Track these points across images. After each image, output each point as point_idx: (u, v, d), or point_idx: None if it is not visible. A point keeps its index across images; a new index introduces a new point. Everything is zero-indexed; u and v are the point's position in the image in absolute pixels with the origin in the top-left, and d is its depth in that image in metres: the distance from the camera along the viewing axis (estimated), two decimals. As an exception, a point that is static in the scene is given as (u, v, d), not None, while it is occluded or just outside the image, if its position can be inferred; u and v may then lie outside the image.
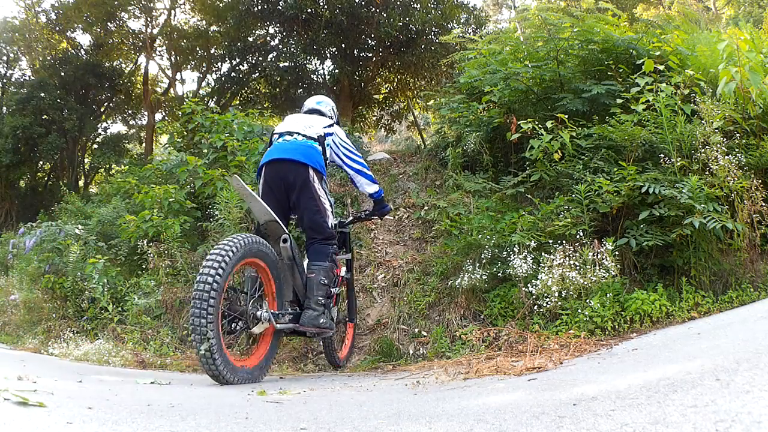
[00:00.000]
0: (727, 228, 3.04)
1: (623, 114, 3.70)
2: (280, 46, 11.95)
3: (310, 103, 3.47)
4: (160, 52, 15.45)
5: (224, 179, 4.92)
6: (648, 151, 3.71)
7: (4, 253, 6.80)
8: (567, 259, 3.12)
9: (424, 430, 1.31)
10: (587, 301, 3.02)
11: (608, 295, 3.00)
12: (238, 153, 5.42)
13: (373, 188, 3.22)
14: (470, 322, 3.60)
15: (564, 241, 3.26)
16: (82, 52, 14.62)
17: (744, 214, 3.17)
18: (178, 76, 16.45)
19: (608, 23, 4.66)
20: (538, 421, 1.25)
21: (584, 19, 4.61)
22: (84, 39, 17.68)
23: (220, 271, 2.30)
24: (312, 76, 12.31)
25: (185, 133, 6.46)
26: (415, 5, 11.03)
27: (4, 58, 14.31)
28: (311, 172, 2.87)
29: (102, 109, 15.24)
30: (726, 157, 3.27)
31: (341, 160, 3.16)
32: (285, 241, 2.79)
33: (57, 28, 14.19)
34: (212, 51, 14.39)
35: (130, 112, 16.15)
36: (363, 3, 10.63)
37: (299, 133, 3.01)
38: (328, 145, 3.10)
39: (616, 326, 2.95)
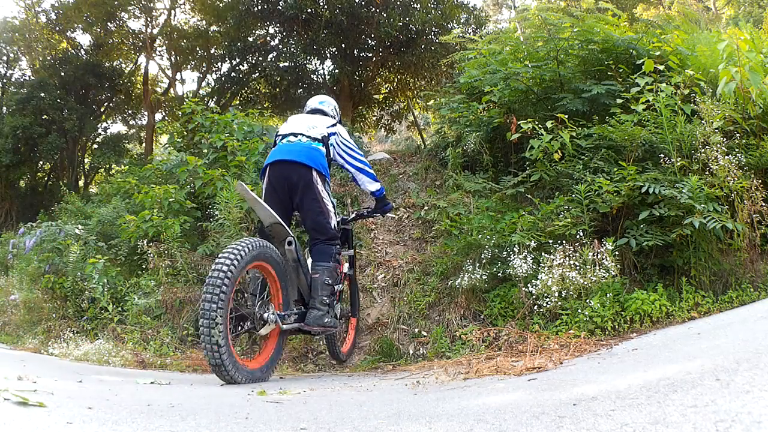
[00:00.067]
0: (727, 228, 3.04)
1: (623, 114, 3.70)
2: (280, 46, 11.95)
3: (313, 102, 3.49)
4: (160, 52, 15.46)
5: (224, 179, 4.92)
6: (648, 151, 3.71)
7: (4, 253, 6.80)
8: (567, 259, 3.12)
9: (424, 430, 1.31)
10: (587, 301, 3.02)
11: (608, 295, 3.00)
12: (238, 153, 5.42)
13: (374, 186, 3.25)
14: (470, 322, 3.60)
15: (564, 241, 3.26)
16: (82, 52, 14.63)
17: (744, 214, 3.17)
18: (178, 76, 16.47)
19: (608, 23, 4.66)
20: (538, 421, 1.25)
21: (584, 19, 4.61)
22: (84, 39, 17.72)
23: (236, 262, 2.37)
24: (312, 76, 12.31)
25: (185, 133, 6.46)
26: (415, 5, 11.03)
27: (4, 58, 14.31)
28: (314, 174, 2.90)
29: (102, 109, 15.24)
30: (726, 157, 3.27)
31: (343, 158, 3.19)
32: (290, 243, 2.83)
33: (57, 28, 14.19)
34: (212, 51, 14.39)
35: (130, 112, 16.15)
36: (363, 3, 10.63)
37: (303, 134, 3.04)
38: (331, 144, 3.13)
39: (616, 326, 2.95)
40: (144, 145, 15.42)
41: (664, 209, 3.19)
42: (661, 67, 3.87)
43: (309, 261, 3.05)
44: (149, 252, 4.50)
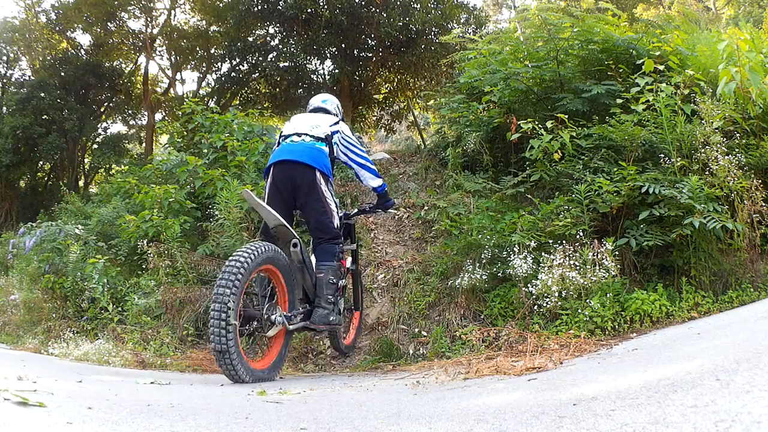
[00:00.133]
0: (727, 228, 3.04)
1: (623, 114, 3.70)
2: (280, 46, 11.94)
3: (316, 101, 3.52)
4: (160, 52, 15.45)
5: (224, 179, 4.93)
6: (648, 151, 3.71)
7: (4, 253, 6.80)
8: (567, 259, 3.12)
9: (424, 430, 1.31)
10: (587, 301, 3.02)
11: (608, 295, 3.00)
12: (238, 153, 5.42)
13: (376, 182, 3.28)
14: (470, 322, 3.60)
15: (564, 241, 3.25)
16: (82, 52, 14.62)
17: (744, 214, 3.17)
18: (178, 76, 16.47)
19: (608, 23, 4.66)
20: (538, 421, 1.25)
21: (584, 19, 4.61)
22: (84, 39, 17.71)
23: (250, 259, 2.47)
24: (312, 76, 12.31)
25: (185, 133, 6.46)
26: (415, 5, 11.02)
27: (4, 58, 14.30)
28: (318, 174, 2.93)
29: (102, 109, 15.24)
30: (726, 157, 3.27)
31: (346, 155, 3.22)
32: (295, 245, 2.88)
33: (57, 28, 14.18)
34: (212, 51, 14.38)
35: (130, 112, 16.14)
36: (363, 3, 10.62)
37: (307, 134, 3.06)
38: (335, 142, 3.16)
39: (616, 326, 2.95)
40: (144, 145, 15.42)
41: (664, 209, 3.19)
42: (661, 67, 3.87)
43: (312, 258, 3.09)
44: (149, 252, 4.50)
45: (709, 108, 3.48)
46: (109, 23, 13.98)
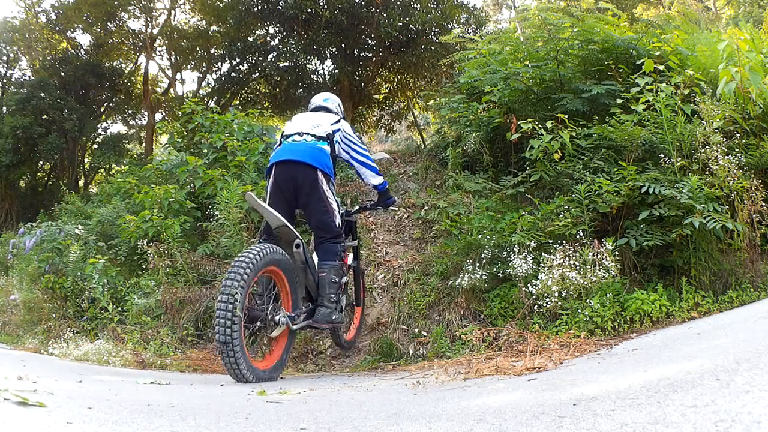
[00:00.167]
0: (727, 228, 3.04)
1: (623, 114, 3.70)
2: (280, 46, 11.93)
3: (317, 100, 3.54)
4: (160, 52, 15.45)
5: (224, 179, 4.93)
6: (648, 151, 3.71)
7: (4, 253, 6.80)
8: (567, 259, 3.11)
9: (424, 430, 1.31)
10: (587, 301, 3.02)
11: (608, 295, 3.00)
12: (238, 153, 5.42)
13: (377, 180, 3.30)
14: (470, 322, 3.60)
15: (564, 241, 3.25)
16: (82, 52, 14.61)
17: (744, 214, 3.17)
18: (178, 76, 16.46)
19: (608, 23, 4.67)
20: (538, 421, 1.25)
21: (584, 19, 4.61)
22: (84, 39, 17.70)
23: (258, 258, 2.52)
24: (312, 76, 12.30)
25: (185, 133, 6.46)
26: (415, 5, 11.02)
27: (4, 58, 14.30)
28: (319, 174, 2.94)
29: (102, 109, 15.24)
30: (726, 157, 3.27)
31: (348, 153, 3.24)
32: (298, 246, 2.90)
33: (57, 28, 14.17)
34: (212, 51, 14.37)
35: (130, 112, 16.13)
36: (363, 3, 10.62)
37: (308, 134, 3.08)
38: (336, 141, 3.18)
39: (616, 326, 2.95)
40: (144, 145, 15.41)
41: (664, 209, 3.19)
42: (661, 67, 3.87)
43: (314, 257, 3.11)
44: (149, 252, 4.50)
45: (709, 108, 3.48)
46: (109, 23, 13.98)
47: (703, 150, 3.37)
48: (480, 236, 3.67)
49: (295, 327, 2.82)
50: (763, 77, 3.56)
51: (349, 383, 2.57)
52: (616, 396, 1.37)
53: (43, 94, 12.20)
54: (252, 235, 4.53)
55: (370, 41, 11.72)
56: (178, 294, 4.23)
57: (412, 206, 5.47)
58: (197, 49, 14.65)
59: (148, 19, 14.58)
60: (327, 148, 3.07)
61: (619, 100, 3.87)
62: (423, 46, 11.07)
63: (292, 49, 11.11)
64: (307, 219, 3.12)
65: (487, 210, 4.12)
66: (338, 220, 3.06)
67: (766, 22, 10.93)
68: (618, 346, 2.51)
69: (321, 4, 10.54)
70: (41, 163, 13.84)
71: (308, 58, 11.47)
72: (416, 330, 3.78)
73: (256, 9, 11.20)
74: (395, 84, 13.04)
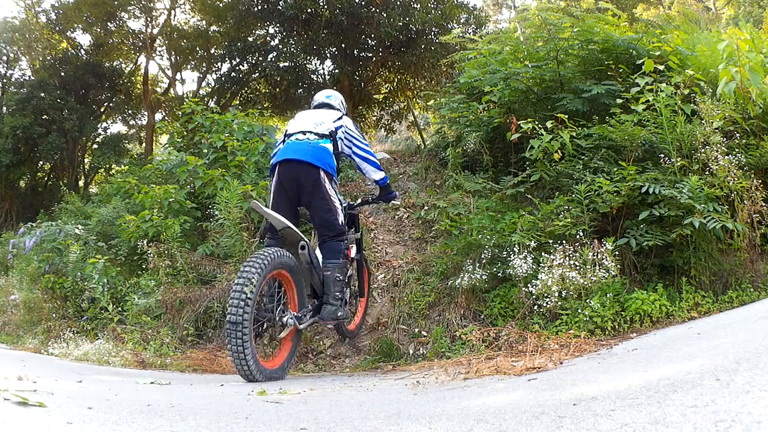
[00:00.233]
0: (727, 228, 3.04)
1: (623, 114, 3.70)
2: (280, 46, 11.93)
3: (320, 97, 3.57)
4: (160, 52, 15.45)
5: (224, 179, 4.93)
6: (648, 151, 3.71)
7: (4, 253, 6.80)
8: (567, 259, 3.11)
9: (424, 430, 1.31)
10: (587, 301, 3.02)
11: (608, 295, 3.00)
12: (238, 153, 5.42)
13: (379, 175, 3.34)
14: (470, 322, 3.60)
15: (564, 241, 3.25)
16: (82, 52, 14.62)
17: (744, 214, 3.17)
18: (178, 76, 16.47)
19: (608, 23, 4.66)
20: (538, 421, 1.25)
21: (584, 19, 4.61)
22: (84, 39, 17.72)
23: (271, 258, 2.61)
24: (312, 76, 12.30)
25: (185, 133, 6.46)
26: (415, 5, 11.02)
27: (4, 58, 14.30)
28: (322, 173, 2.98)
29: (102, 109, 15.24)
30: (726, 157, 3.27)
31: (350, 149, 3.28)
32: (303, 248, 2.95)
33: (57, 28, 14.18)
34: (212, 51, 14.38)
35: (130, 112, 16.13)
36: (363, 3, 10.62)
37: (311, 132, 3.11)
38: (339, 138, 3.21)
39: (616, 326, 2.95)
40: (144, 145, 15.41)
41: (664, 209, 3.19)
42: (661, 67, 3.87)
43: (317, 252, 3.17)
44: (149, 252, 4.50)
45: (709, 108, 3.47)
46: (109, 23, 13.98)
47: (703, 150, 3.37)
48: (480, 236, 3.67)
49: (302, 326, 2.90)
50: (763, 77, 3.56)
51: (349, 383, 2.57)
52: (616, 396, 1.37)
53: (43, 94, 12.20)
54: (252, 235, 4.53)
55: (370, 41, 11.72)
56: (178, 294, 4.23)
57: (412, 206, 5.47)
58: (197, 49, 14.65)
59: (148, 19, 14.59)
60: (329, 146, 3.09)
61: (619, 100, 3.87)
62: (423, 46, 11.07)
63: (292, 49, 11.12)
64: (310, 217, 3.17)
65: (487, 210, 4.12)
66: (341, 218, 3.10)
67: (766, 22, 10.93)
68: (618, 346, 2.51)
69: (321, 4, 10.54)
70: (41, 163, 13.84)
71: (308, 58, 11.47)
72: (416, 330, 3.78)
73: (256, 9, 11.21)
74: (395, 84, 13.04)
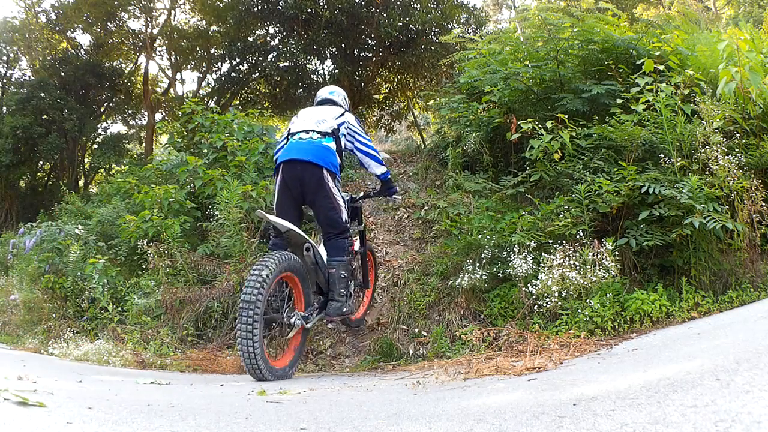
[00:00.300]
0: (727, 228, 3.04)
1: (623, 114, 3.70)
2: (280, 46, 11.93)
3: (323, 93, 3.62)
4: (160, 52, 15.44)
5: (224, 179, 4.93)
6: (648, 151, 3.71)
7: (4, 253, 6.80)
8: (567, 259, 3.11)
9: (424, 430, 1.31)
10: (587, 301, 3.02)
11: (608, 295, 3.00)
12: (238, 153, 5.42)
13: (380, 169, 3.40)
14: (470, 322, 3.60)
15: (564, 241, 3.25)
16: (82, 52, 14.61)
17: (744, 214, 3.17)
18: (178, 76, 16.45)
19: (608, 23, 4.66)
20: (538, 421, 1.25)
21: (584, 19, 4.61)
22: (84, 39, 17.70)
23: (280, 261, 2.71)
24: (312, 76, 12.30)
25: (185, 133, 6.46)
26: (415, 5, 11.02)
27: (4, 58, 14.28)
28: (325, 173, 3.03)
29: (102, 109, 15.23)
30: (726, 157, 3.27)
31: (352, 144, 3.33)
32: (308, 250, 3.03)
33: (57, 28, 14.16)
34: (212, 51, 14.37)
35: (130, 112, 16.12)
36: (363, 3, 10.62)
37: (313, 131, 3.14)
38: (342, 134, 3.25)
39: (616, 326, 2.95)
40: (144, 145, 15.41)
41: (664, 209, 3.19)
42: (661, 67, 3.87)
43: (322, 249, 3.23)
44: (149, 252, 4.50)
45: (709, 108, 3.47)
46: (109, 23, 13.98)
47: (703, 150, 3.37)
48: (480, 236, 3.68)
49: (308, 325, 2.98)
50: (763, 77, 3.56)
51: (349, 383, 2.57)
52: (616, 396, 1.37)
53: (43, 94, 12.19)
54: (252, 235, 4.53)
55: (370, 41, 11.72)
56: (178, 294, 4.23)
57: (412, 206, 5.47)
58: (197, 49, 14.65)
59: (148, 19, 14.58)
60: (332, 144, 3.13)
61: (619, 100, 3.87)
62: (423, 46, 11.06)
63: (292, 49, 11.11)
64: (314, 215, 3.23)
65: (487, 210, 4.12)
66: (345, 215, 3.16)
67: (766, 22, 10.93)
68: (618, 346, 2.51)
69: (321, 4, 10.54)
70: (41, 163, 13.83)
71: (308, 58, 11.47)
72: (416, 330, 3.78)
73: (256, 9, 11.20)
74: (395, 84, 13.04)
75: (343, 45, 11.29)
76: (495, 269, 3.61)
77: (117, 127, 17.26)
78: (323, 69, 12.47)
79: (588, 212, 3.38)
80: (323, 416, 1.58)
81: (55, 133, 12.02)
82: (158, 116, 15.61)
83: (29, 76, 14.21)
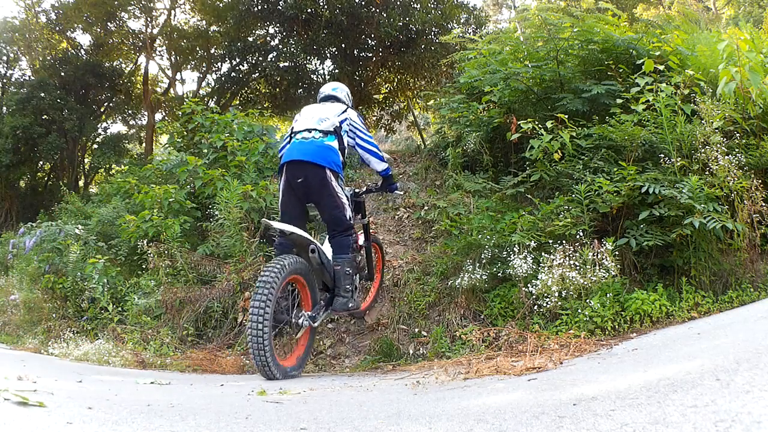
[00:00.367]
0: (727, 228, 3.04)
1: (623, 114, 3.70)
2: (280, 46, 11.93)
3: (326, 89, 3.64)
4: (160, 52, 15.44)
5: (224, 179, 4.93)
6: (648, 151, 3.71)
7: (4, 253, 6.80)
8: (567, 259, 3.11)
9: (424, 430, 1.31)
10: (587, 301, 3.02)
11: (608, 295, 3.00)
12: (238, 153, 5.42)
13: (382, 166, 3.44)
14: (470, 322, 3.60)
15: (564, 241, 3.25)
16: (82, 52, 14.61)
17: (744, 214, 3.17)
18: (178, 76, 16.46)
19: (608, 23, 4.66)
20: (538, 421, 1.25)
21: (584, 19, 4.61)
22: (84, 39, 17.71)
23: (288, 264, 2.78)
24: (312, 76, 12.29)
25: (185, 133, 6.46)
26: (415, 5, 11.02)
27: (4, 58, 14.28)
28: (328, 172, 3.07)
29: (102, 109, 15.23)
30: (726, 157, 3.27)
31: (354, 141, 3.36)
32: (313, 251, 3.08)
33: (57, 28, 14.17)
34: (212, 51, 14.37)
35: (130, 112, 16.12)
36: (363, 3, 10.62)
37: (316, 130, 3.17)
38: (344, 131, 3.28)
39: (616, 326, 2.95)
40: (144, 145, 15.41)
41: (664, 209, 3.19)
42: (661, 67, 3.87)
43: (326, 246, 3.29)
44: (149, 252, 4.50)
45: (709, 108, 3.47)
46: (109, 23, 13.97)
47: (703, 150, 3.37)
48: (480, 236, 3.68)
49: (316, 324, 3.05)
50: (763, 77, 3.56)
51: (349, 383, 2.57)
52: (616, 396, 1.37)
53: (43, 94, 12.19)
54: (252, 236, 4.53)
55: (370, 41, 11.71)
56: (178, 294, 4.23)
57: (412, 206, 5.47)
58: (197, 49, 14.65)
59: (148, 19, 14.58)
60: (335, 143, 3.16)
61: (619, 100, 3.87)
62: (423, 46, 11.06)
63: (292, 49, 11.11)
64: (319, 213, 3.27)
65: (487, 210, 4.12)
66: (348, 213, 3.20)
67: (766, 22, 10.93)
68: (618, 346, 2.51)
69: (321, 4, 10.54)
70: (41, 163, 13.83)
71: (308, 58, 11.47)
72: (416, 330, 3.78)
73: (256, 9, 11.20)
74: (395, 84, 13.04)
75: (343, 45, 11.29)
76: (495, 269, 3.61)
77: (117, 127, 17.30)
78: (323, 69, 12.47)
79: (588, 212, 3.38)
80: (323, 416, 1.58)
81: (55, 133, 12.02)
82: (158, 116, 15.62)
83: (29, 76, 14.21)
